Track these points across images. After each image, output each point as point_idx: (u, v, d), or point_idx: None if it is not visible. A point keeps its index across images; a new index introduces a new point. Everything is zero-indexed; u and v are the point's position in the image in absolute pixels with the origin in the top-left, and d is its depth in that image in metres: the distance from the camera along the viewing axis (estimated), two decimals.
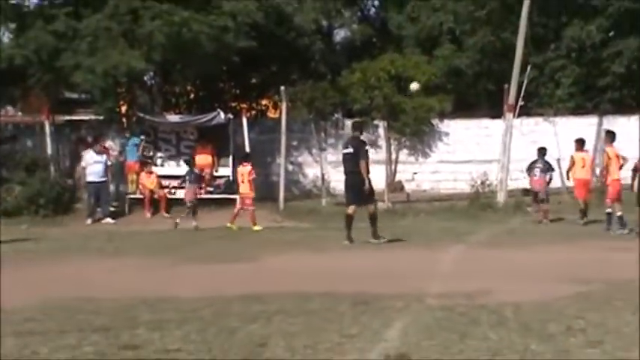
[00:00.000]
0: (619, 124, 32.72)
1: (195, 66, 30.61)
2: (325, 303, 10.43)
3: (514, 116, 30.00)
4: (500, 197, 28.79)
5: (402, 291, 11.12)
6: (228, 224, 24.17)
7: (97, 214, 27.57)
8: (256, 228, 23.98)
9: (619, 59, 34.94)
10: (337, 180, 33.24)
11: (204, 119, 30.43)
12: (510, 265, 14.59)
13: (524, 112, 31.65)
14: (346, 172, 19.18)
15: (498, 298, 10.43)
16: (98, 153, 27.84)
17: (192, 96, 38.85)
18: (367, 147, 19.32)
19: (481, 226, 22.65)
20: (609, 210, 21.05)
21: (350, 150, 18.95)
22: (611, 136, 22.47)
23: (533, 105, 33.39)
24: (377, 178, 32.41)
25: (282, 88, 30.93)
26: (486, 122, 33.85)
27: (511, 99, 29.65)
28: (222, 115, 30.34)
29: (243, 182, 24.86)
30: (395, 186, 32.23)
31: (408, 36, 38.02)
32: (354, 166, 18.69)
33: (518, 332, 8.39)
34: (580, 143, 25.30)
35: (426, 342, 8.05)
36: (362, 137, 19.64)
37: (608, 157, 21.49)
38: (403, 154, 33.38)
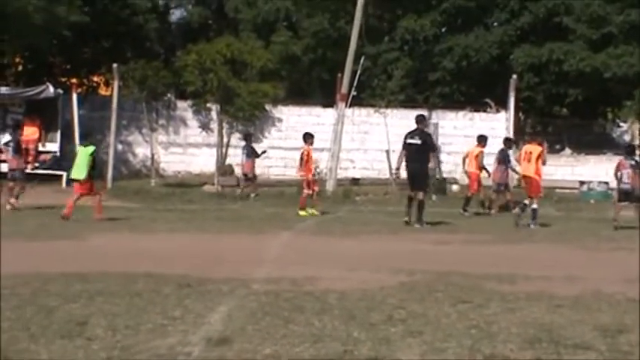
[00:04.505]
0: (447, 118, 33.56)
1: (23, 37, 29.69)
2: (149, 284, 10.29)
3: (346, 106, 30.33)
4: (330, 185, 29.06)
5: (227, 275, 11.06)
6: (301, 213, 22.66)
7: None
8: (302, 213, 22.60)
9: (450, 55, 35.79)
10: (167, 161, 33.10)
11: (32, 92, 29.70)
12: (337, 254, 14.69)
13: (357, 102, 32.04)
14: (410, 161, 20.22)
15: (323, 286, 10.48)
16: None
17: (20, 68, 37.81)
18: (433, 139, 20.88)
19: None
20: None
21: (418, 141, 20.08)
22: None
23: (365, 96, 33.83)
24: (207, 161, 32.56)
25: (115, 65, 30.43)
26: (318, 110, 34.12)
27: (344, 88, 29.97)
28: (51, 89, 29.68)
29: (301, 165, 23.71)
30: (225, 169, 32.16)
31: (244, 20, 38.00)
32: (420, 155, 20.06)
33: (341, 320, 8.44)
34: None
35: (249, 327, 8.03)
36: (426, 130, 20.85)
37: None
38: (235, 138, 33.30)
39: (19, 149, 23.64)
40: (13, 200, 22.27)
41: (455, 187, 30.42)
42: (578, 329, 8.29)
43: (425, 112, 33.20)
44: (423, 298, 9.86)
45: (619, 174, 20.84)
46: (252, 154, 29.05)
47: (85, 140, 21.27)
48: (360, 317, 8.59)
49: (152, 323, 8.15)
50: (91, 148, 20.67)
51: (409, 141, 20.28)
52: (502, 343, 7.68)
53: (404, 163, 20.44)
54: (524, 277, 11.52)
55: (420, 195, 20.04)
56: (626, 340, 7.85)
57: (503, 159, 25.36)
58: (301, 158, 23.64)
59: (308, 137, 23.82)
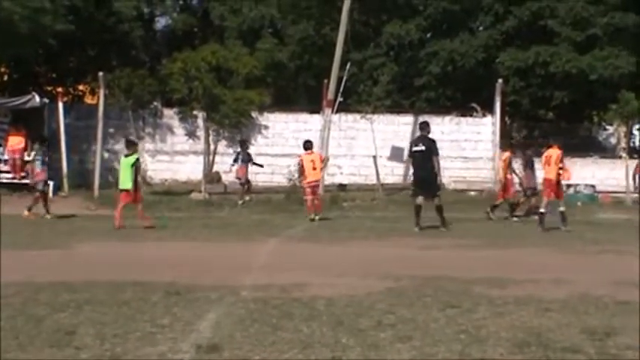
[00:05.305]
0: (434, 123, 33.54)
1: (8, 47, 29.58)
2: (137, 293, 10.26)
3: (333, 112, 30.33)
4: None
5: (215, 282, 11.04)
6: (310, 217, 23.02)
7: None
8: (312, 216, 23.00)
9: (435, 59, 35.83)
10: (154, 169, 33.01)
11: (18, 102, 29.60)
12: (324, 260, 14.68)
13: (343, 108, 32.05)
14: (416, 168, 20.64)
15: (312, 292, 10.47)
16: None
17: (5, 78, 37.71)
18: (437, 144, 20.75)
19: (297, 220, 22.76)
20: None
21: (422, 147, 20.30)
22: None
23: (352, 102, 33.84)
24: (194, 168, 32.50)
25: (101, 73, 30.38)
26: (305, 117, 34.12)
27: (330, 95, 29.99)
28: (37, 98, 29.60)
29: (315, 169, 23.68)
30: (212, 177, 32.14)
31: (229, 27, 38.01)
32: (425, 162, 20.23)
33: (329, 326, 8.43)
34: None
35: (238, 334, 8.02)
36: (430, 136, 20.88)
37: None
38: (222, 146, 33.28)
39: (45, 161, 24.41)
40: (27, 213, 22.93)
41: (472, 193, 30.59)
42: (567, 332, 8.30)
43: (411, 118, 33.42)
44: (412, 303, 9.85)
45: (637, 177, 21.03)
46: (246, 159, 29.55)
47: (127, 150, 21.60)
48: (349, 323, 8.59)
49: (140, 331, 8.13)
50: (133, 158, 21.00)
51: (414, 149, 20.57)
52: (491, 347, 7.69)
53: (411, 171, 20.67)
54: (512, 281, 11.53)
55: (436, 200, 20.37)
56: (615, 343, 7.86)
57: (528, 163, 25.65)
58: (313, 164, 23.74)
59: (309, 144, 23.97)
